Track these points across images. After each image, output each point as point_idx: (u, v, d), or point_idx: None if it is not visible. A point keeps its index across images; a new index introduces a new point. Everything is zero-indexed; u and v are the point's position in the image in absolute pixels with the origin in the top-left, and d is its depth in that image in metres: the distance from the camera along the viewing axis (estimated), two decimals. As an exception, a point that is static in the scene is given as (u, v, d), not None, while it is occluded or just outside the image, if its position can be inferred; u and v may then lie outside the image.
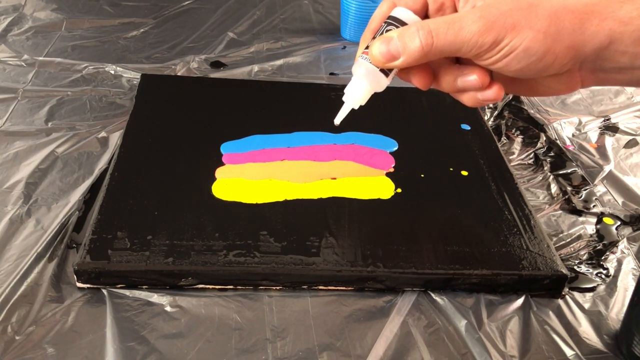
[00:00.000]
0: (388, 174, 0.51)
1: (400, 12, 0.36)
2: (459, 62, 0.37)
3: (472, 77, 0.35)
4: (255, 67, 0.70)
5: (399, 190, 0.49)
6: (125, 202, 0.45)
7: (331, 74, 0.70)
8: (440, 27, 0.33)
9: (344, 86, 0.62)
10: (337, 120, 0.41)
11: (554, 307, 0.43)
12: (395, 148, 0.54)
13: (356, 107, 0.40)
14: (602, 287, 0.44)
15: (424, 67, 0.37)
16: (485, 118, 0.62)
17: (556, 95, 0.58)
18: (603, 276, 0.45)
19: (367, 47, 0.37)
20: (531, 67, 0.33)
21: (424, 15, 0.37)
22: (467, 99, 0.37)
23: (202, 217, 0.44)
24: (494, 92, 0.36)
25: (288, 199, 0.47)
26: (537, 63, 0.32)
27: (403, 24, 0.36)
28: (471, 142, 0.56)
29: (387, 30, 0.36)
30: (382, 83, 0.38)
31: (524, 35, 0.32)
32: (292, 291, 0.42)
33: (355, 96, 0.39)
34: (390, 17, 0.36)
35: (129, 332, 0.38)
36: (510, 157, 0.58)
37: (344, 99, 0.40)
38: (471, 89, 0.36)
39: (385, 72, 0.37)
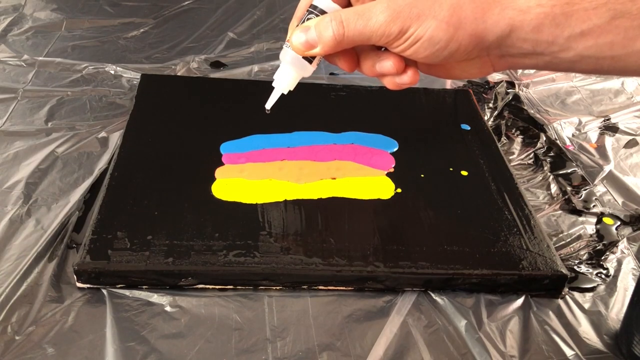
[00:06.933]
0: (388, 174, 0.51)
1: (320, 1, 0.38)
2: (381, 47, 0.39)
3: (388, 63, 0.38)
4: (255, 67, 0.70)
5: (399, 190, 0.49)
6: (125, 202, 0.45)
7: (331, 74, 0.70)
8: (351, 17, 0.35)
9: (344, 86, 0.63)
10: (268, 105, 0.43)
11: (554, 307, 0.43)
12: (396, 148, 0.54)
13: (285, 92, 0.42)
14: (602, 287, 0.44)
15: (349, 52, 0.39)
16: (485, 118, 0.62)
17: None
18: (603, 276, 0.45)
19: None
20: (437, 54, 0.35)
21: (347, 2, 0.38)
22: (387, 83, 0.39)
23: (202, 217, 0.44)
24: (409, 77, 0.38)
25: (288, 199, 0.47)
26: (442, 51, 0.34)
27: (323, 12, 0.37)
28: (471, 142, 0.56)
29: (307, 19, 0.38)
30: (308, 69, 0.40)
31: (427, 24, 0.34)
32: (292, 291, 0.42)
33: (284, 82, 0.41)
34: (311, 6, 0.38)
35: (129, 332, 0.38)
36: (510, 157, 0.58)
37: (273, 84, 0.42)
38: (388, 73, 0.38)
39: (309, 59, 0.39)
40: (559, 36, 0.33)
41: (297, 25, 0.38)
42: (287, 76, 0.41)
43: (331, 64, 0.40)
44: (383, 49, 0.38)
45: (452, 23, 0.33)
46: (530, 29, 0.33)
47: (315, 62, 0.40)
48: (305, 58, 0.39)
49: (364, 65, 0.39)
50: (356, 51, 0.39)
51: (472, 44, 0.34)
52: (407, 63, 0.38)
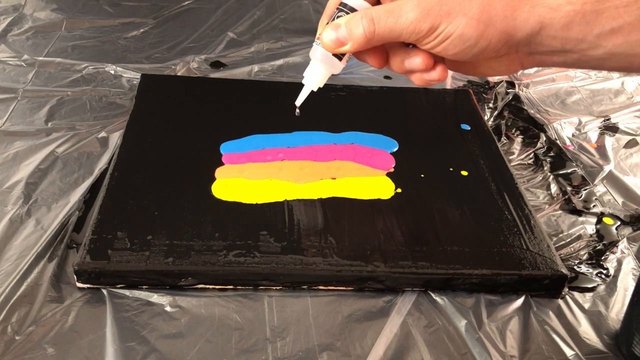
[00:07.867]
0: (388, 174, 0.51)
1: None
2: (410, 44, 0.39)
3: (417, 60, 0.38)
4: (255, 67, 0.70)
5: (399, 190, 0.49)
6: (125, 202, 0.45)
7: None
8: (381, 15, 0.35)
9: (344, 86, 0.63)
10: (298, 102, 0.43)
11: (554, 307, 0.43)
12: (396, 148, 0.54)
13: (315, 90, 0.42)
14: (602, 287, 0.44)
15: (379, 49, 0.39)
16: (485, 118, 0.62)
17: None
18: (603, 276, 0.45)
19: None
20: (467, 51, 0.35)
21: (376, 0, 0.39)
22: (415, 79, 0.40)
23: (202, 217, 0.44)
24: (438, 73, 0.38)
25: (288, 199, 0.47)
26: (472, 48, 0.35)
27: (353, 10, 0.38)
28: (471, 142, 0.56)
29: (338, 17, 0.38)
30: (338, 66, 0.40)
31: (458, 22, 0.34)
32: (292, 291, 0.42)
33: (313, 79, 0.41)
34: (341, 3, 0.38)
35: (129, 332, 0.38)
36: (510, 157, 0.58)
37: (303, 81, 0.42)
38: (417, 70, 0.39)
39: (339, 56, 0.39)
40: (589, 34, 0.33)
41: (327, 23, 0.39)
42: (317, 73, 0.41)
43: (360, 61, 0.40)
44: (411, 45, 0.38)
45: (482, 20, 0.34)
46: (560, 27, 0.33)
47: (344, 59, 0.40)
48: (335, 55, 0.39)
49: (393, 62, 0.39)
50: (385, 48, 0.40)
51: (502, 41, 0.34)
52: (436, 60, 0.38)
